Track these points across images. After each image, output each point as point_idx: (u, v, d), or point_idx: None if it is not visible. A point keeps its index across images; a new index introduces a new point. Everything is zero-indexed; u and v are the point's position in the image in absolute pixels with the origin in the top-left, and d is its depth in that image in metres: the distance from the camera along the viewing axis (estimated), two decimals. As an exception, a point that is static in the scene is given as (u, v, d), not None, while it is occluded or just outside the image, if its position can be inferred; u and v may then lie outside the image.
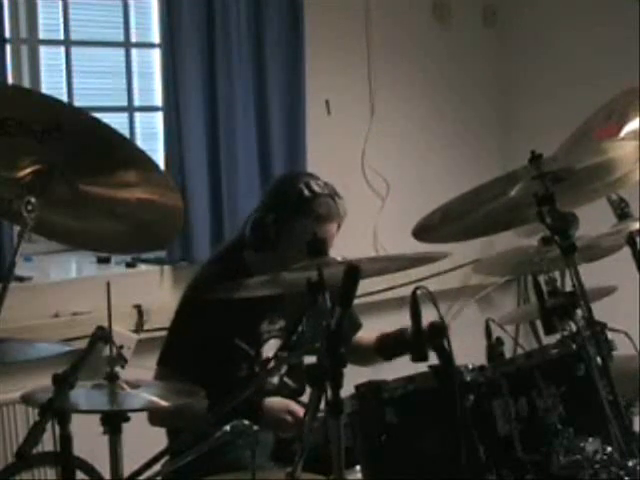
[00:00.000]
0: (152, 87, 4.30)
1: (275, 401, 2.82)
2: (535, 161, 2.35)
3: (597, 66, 4.74)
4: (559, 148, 2.98)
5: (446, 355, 2.25)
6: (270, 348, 2.97)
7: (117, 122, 4.11)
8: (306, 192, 2.85)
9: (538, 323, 2.62)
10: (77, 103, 3.99)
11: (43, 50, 4.04)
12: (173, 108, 4.03)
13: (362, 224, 4.59)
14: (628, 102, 2.90)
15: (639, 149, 2.43)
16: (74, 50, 4.10)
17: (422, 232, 2.53)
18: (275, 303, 2.85)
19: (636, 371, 2.85)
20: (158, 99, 4.22)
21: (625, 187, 2.66)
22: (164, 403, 2.35)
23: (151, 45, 4.29)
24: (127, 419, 2.29)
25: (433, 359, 2.30)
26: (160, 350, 2.94)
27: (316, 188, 2.86)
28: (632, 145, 2.48)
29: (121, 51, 4.26)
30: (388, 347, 2.98)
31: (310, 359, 2.15)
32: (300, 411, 2.73)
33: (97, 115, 2.15)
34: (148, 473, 2.23)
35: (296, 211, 2.84)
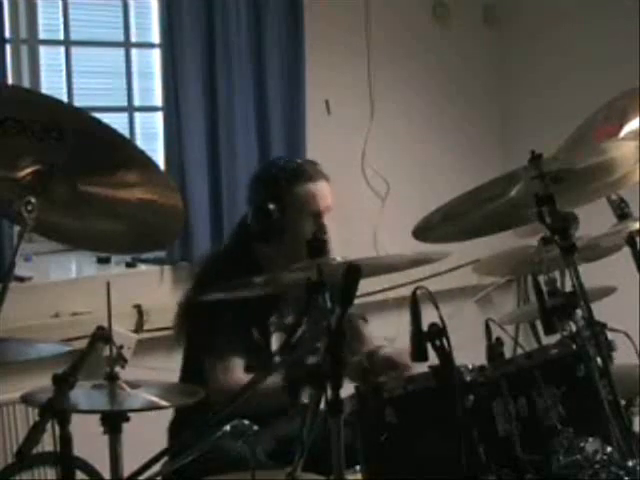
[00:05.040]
0: (152, 87, 4.30)
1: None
2: (535, 161, 2.35)
3: (597, 65, 4.74)
4: (559, 148, 2.98)
5: (446, 355, 2.25)
6: (275, 341, 2.98)
7: (117, 122, 4.11)
8: (289, 164, 3.01)
9: (538, 323, 2.61)
10: (77, 103, 3.99)
11: (43, 50, 4.04)
12: (173, 108, 4.03)
13: (362, 224, 4.59)
14: (628, 102, 2.90)
15: (639, 149, 2.43)
16: (74, 50, 4.10)
17: (422, 232, 2.53)
18: (286, 297, 2.89)
19: (636, 379, 2.85)
20: (158, 99, 4.22)
21: (625, 187, 2.65)
22: (164, 403, 2.35)
23: (151, 45, 4.29)
24: (127, 419, 2.29)
25: (433, 359, 2.30)
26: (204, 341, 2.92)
27: (296, 159, 3.10)
28: (632, 145, 2.48)
29: (121, 51, 4.26)
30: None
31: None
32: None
33: (97, 115, 2.15)
34: (148, 473, 2.23)
35: (289, 181, 2.96)
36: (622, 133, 2.80)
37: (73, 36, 4.08)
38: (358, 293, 2.09)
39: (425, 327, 2.27)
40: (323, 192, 2.98)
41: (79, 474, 3.16)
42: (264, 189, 2.99)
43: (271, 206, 2.93)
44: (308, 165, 3.05)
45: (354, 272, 2.05)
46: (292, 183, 2.95)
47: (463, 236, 2.65)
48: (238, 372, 2.84)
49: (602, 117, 2.96)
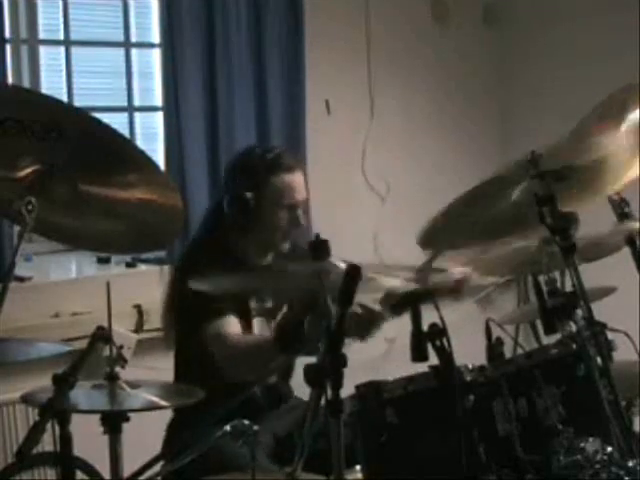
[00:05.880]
0: (152, 87, 4.31)
1: None
2: (534, 161, 2.34)
3: (597, 65, 4.74)
4: (557, 145, 2.97)
5: (446, 355, 2.25)
6: (256, 325, 2.98)
7: (117, 122, 4.11)
8: (268, 154, 3.02)
9: (538, 323, 2.61)
10: (77, 103, 3.99)
11: (43, 50, 4.04)
12: (173, 108, 4.03)
13: (362, 224, 4.59)
14: (625, 98, 2.89)
15: (639, 144, 2.43)
16: (74, 50, 4.10)
17: (427, 241, 2.51)
18: None
19: (636, 377, 2.85)
20: (158, 99, 4.22)
21: (625, 183, 2.64)
22: (164, 403, 2.35)
23: (151, 45, 4.29)
24: (127, 419, 2.29)
25: (433, 359, 2.30)
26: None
27: (272, 149, 3.09)
28: (631, 140, 2.47)
29: (121, 51, 4.26)
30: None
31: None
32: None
33: (97, 115, 2.15)
34: (148, 473, 2.23)
35: (268, 171, 2.97)
36: (621, 129, 2.78)
37: (73, 36, 4.08)
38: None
39: (425, 327, 2.27)
40: (300, 184, 3.01)
41: (79, 474, 3.16)
42: (242, 178, 3.00)
43: (249, 195, 2.94)
44: (285, 156, 3.06)
45: (354, 273, 2.05)
46: (270, 173, 2.96)
47: (469, 243, 2.64)
48: (236, 329, 2.83)
49: (600, 113, 2.95)
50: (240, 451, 2.37)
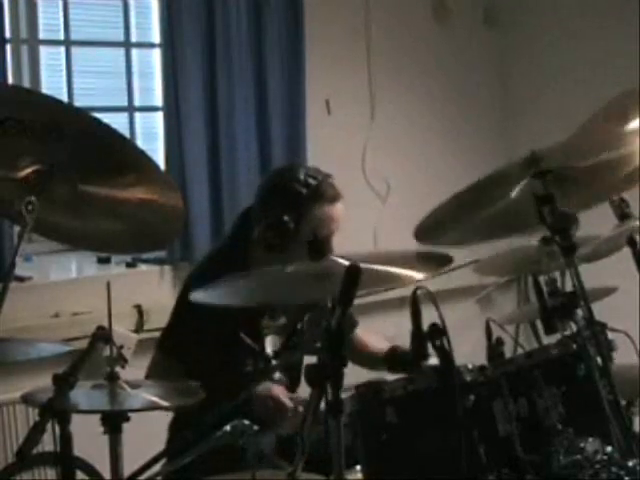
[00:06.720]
0: (152, 87, 4.31)
1: (259, 388, 2.83)
2: (532, 162, 2.34)
3: (597, 65, 4.74)
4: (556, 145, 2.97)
5: (446, 355, 2.25)
6: (268, 344, 2.98)
7: (117, 122, 4.11)
8: (311, 181, 2.95)
9: (538, 323, 2.61)
10: (77, 103, 4.00)
11: (43, 50, 4.05)
12: (173, 108, 4.03)
13: (362, 224, 4.59)
14: (628, 102, 2.89)
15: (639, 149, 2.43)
16: (74, 50, 4.10)
17: (424, 235, 2.51)
18: None
19: (636, 381, 2.85)
20: (158, 99, 4.22)
21: (628, 188, 2.64)
22: (164, 403, 2.35)
23: (151, 45, 4.30)
24: (127, 419, 2.29)
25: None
26: (161, 334, 2.97)
27: (316, 174, 2.99)
28: (633, 145, 2.47)
29: (121, 51, 4.27)
30: (397, 364, 3.02)
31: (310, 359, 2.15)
32: (282, 397, 2.76)
33: (97, 115, 2.15)
34: (148, 473, 2.23)
35: (312, 200, 2.92)
36: (622, 133, 2.79)
37: (73, 36, 4.09)
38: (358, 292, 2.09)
39: (425, 327, 2.27)
40: (339, 215, 2.96)
41: (79, 474, 3.16)
42: (283, 201, 2.94)
43: (287, 220, 2.90)
44: (328, 185, 2.98)
45: (354, 272, 2.05)
46: (314, 203, 2.92)
47: (467, 241, 2.64)
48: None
49: (602, 117, 2.95)
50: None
